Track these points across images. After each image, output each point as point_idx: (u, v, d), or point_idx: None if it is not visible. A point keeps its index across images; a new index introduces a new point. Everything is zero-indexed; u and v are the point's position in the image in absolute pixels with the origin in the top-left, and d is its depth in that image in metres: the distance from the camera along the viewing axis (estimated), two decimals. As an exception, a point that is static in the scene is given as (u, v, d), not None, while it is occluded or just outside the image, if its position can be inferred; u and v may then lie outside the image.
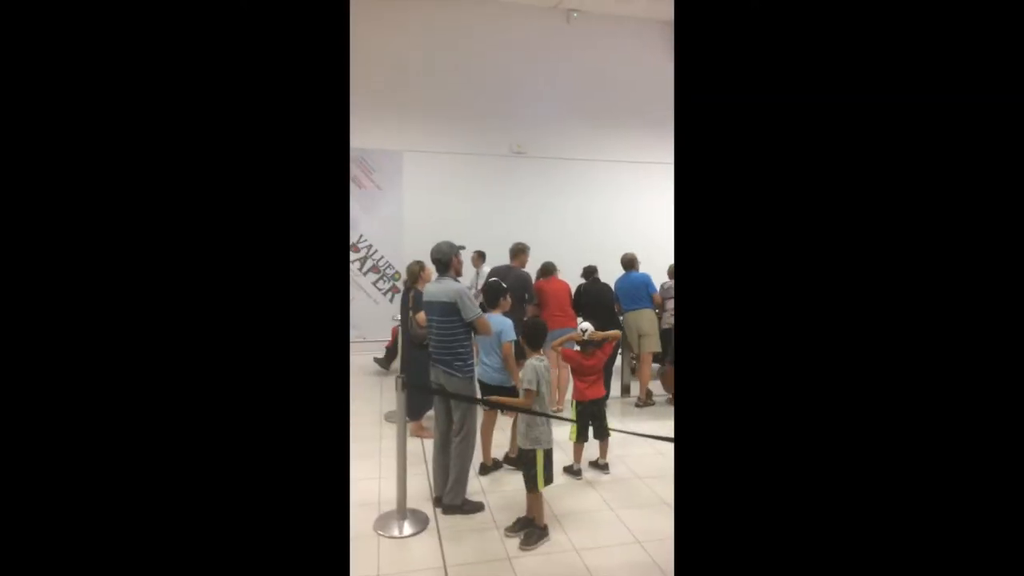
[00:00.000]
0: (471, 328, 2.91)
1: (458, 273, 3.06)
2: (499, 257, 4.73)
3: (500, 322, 3.19)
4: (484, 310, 3.18)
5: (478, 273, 5.95)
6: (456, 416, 2.94)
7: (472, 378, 2.97)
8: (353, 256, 6.56)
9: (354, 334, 5.95)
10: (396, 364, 5.63)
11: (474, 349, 3.03)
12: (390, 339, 5.68)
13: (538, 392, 2.69)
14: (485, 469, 3.39)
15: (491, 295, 3.28)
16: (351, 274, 6.56)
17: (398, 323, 5.72)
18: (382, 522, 2.81)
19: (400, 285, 6.37)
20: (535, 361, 2.74)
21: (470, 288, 5.94)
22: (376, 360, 5.70)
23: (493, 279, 3.61)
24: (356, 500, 3.04)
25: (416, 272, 3.94)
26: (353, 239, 6.55)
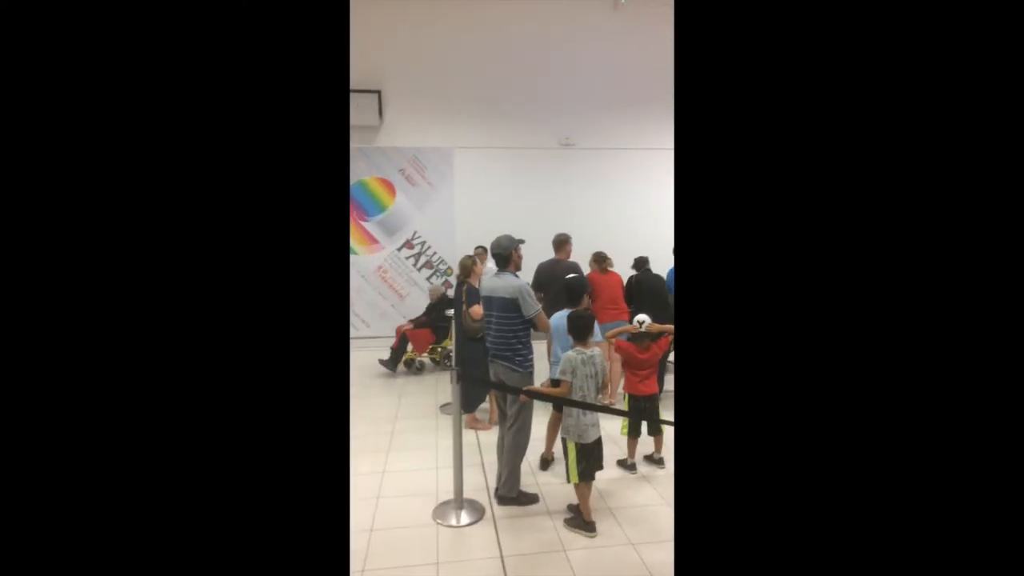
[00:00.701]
0: (531, 325, 2.94)
1: (517, 268, 3.05)
2: (550, 250, 4.73)
3: None
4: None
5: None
6: (511, 410, 2.98)
7: (531, 373, 2.98)
8: (407, 252, 6.73)
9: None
10: (400, 368, 5.59)
11: (532, 344, 3.04)
12: (395, 340, 5.63)
13: (572, 384, 2.70)
14: (545, 463, 3.42)
15: (574, 293, 3.21)
16: (407, 270, 6.74)
17: (403, 324, 5.70)
18: (440, 511, 2.90)
19: (452, 280, 6.47)
20: (572, 353, 2.74)
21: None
22: (381, 362, 5.55)
23: (574, 275, 3.58)
24: (414, 489, 3.16)
25: (469, 266, 4.00)
26: (407, 236, 6.72)
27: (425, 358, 5.67)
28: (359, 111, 6.33)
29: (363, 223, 6.64)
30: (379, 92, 6.41)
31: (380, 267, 6.71)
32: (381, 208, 6.65)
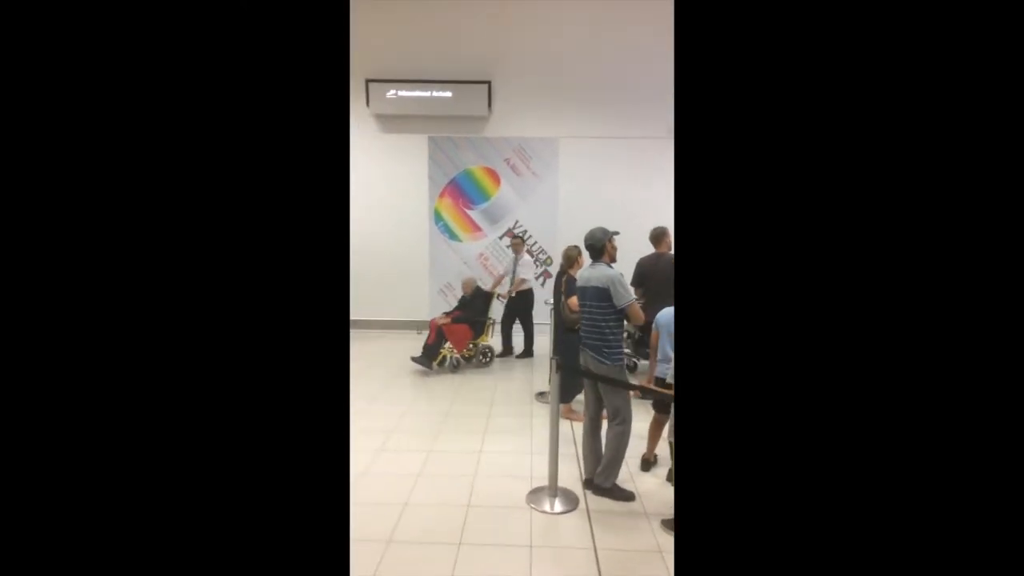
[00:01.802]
0: (623, 315, 2.88)
1: (612, 259, 3.06)
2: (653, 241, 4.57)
3: None
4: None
5: (516, 261, 5.62)
6: (612, 405, 2.93)
7: (622, 366, 2.93)
8: (508, 241, 6.83)
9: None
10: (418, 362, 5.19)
11: (624, 337, 2.98)
12: (430, 335, 5.22)
13: None
14: (647, 464, 3.33)
15: None
16: (507, 259, 6.83)
17: (436, 317, 5.40)
18: (534, 496, 2.92)
19: (551, 270, 6.47)
20: None
21: (504, 276, 5.79)
22: (414, 359, 5.11)
23: None
24: (509, 472, 3.21)
25: (573, 257, 3.96)
26: (509, 224, 6.81)
27: (459, 355, 5.24)
28: (468, 102, 6.49)
29: (468, 211, 6.82)
30: (489, 83, 6.53)
31: (481, 254, 6.86)
32: (486, 197, 6.79)
